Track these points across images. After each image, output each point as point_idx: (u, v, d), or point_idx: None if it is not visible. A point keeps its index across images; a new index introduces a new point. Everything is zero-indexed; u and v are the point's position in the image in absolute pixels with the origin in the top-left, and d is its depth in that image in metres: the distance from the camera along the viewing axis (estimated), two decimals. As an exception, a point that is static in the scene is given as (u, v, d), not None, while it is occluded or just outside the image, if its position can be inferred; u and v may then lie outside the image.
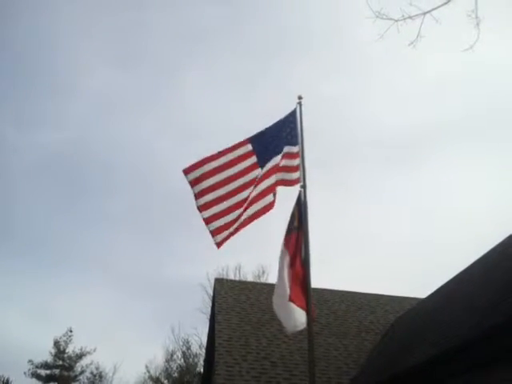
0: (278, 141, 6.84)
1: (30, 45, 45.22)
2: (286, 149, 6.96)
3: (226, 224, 6.24)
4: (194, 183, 6.22)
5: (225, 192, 6.31)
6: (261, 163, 6.67)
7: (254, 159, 6.61)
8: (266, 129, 6.87)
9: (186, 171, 6.25)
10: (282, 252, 6.16)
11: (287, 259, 6.04)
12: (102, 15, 41.80)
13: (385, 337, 12.41)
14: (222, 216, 6.24)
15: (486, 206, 40.65)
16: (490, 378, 6.42)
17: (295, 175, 7.02)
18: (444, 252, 37.89)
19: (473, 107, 39.77)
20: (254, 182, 6.46)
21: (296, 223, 6.36)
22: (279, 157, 6.78)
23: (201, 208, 6.26)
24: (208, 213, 6.23)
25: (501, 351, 6.20)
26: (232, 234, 6.29)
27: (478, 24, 6.33)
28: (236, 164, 6.44)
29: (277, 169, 6.77)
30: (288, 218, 6.48)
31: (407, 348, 9.40)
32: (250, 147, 6.63)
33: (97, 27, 43.71)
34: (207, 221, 6.25)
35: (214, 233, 6.25)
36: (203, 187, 6.23)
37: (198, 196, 6.26)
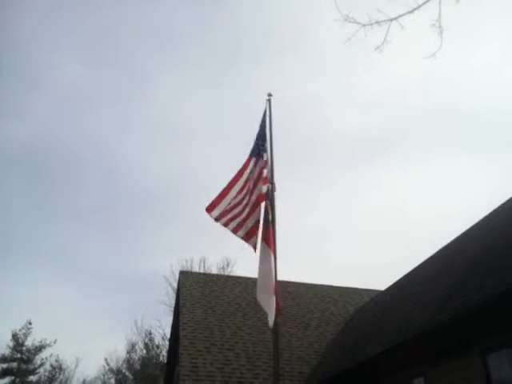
0: (260, 139, 7.25)
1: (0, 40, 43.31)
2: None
3: (252, 227, 6.81)
4: (219, 219, 6.80)
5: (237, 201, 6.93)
6: (252, 152, 7.27)
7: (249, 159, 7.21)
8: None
9: (209, 209, 6.77)
10: (262, 245, 6.34)
11: (269, 253, 6.20)
12: (75, 13, 40.56)
13: (344, 328, 12.85)
14: (243, 222, 6.84)
15: (448, 203, 42.39)
16: (439, 369, 6.85)
17: (264, 171, 7.23)
18: (404, 246, 39.25)
19: (433, 110, 41.23)
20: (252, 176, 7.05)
21: (270, 216, 6.58)
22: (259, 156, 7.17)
23: (225, 224, 6.83)
24: (232, 225, 6.81)
25: (450, 344, 6.64)
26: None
27: (441, 33, 6.60)
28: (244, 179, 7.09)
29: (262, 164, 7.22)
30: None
31: (364, 340, 9.81)
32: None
33: (69, 24, 42.42)
34: (234, 230, 6.82)
35: (245, 238, 6.82)
36: (227, 216, 6.82)
37: (224, 223, 6.84)
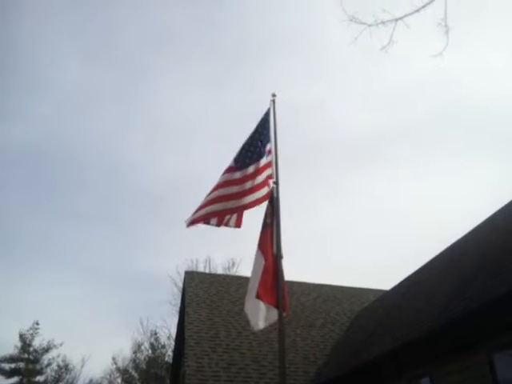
0: (259, 144, 7.09)
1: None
2: (268, 147, 7.17)
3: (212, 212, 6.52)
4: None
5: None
6: (239, 165, 6.88)
7: (233, 168, 6.87)
8: (248, 138, 7.14)
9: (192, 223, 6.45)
10: (256, 251, 6.33)
11: (260, 257, 6.20)
12: (76, 13, 40.78)
13: (350, 328, 12.83)
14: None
15: (452, 204, 42.23)
16: (446, 368, 6.83)
17: (267, 172, 7.16)
18: (408, 246, 39.20)
19: (438, 112, 41.07)
20: (234, 182, 6.71)
21: (269, 219, 6.51)
22: (264, 158, 7.00)
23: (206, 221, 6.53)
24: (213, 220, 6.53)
25: (456, 343, 6.62)
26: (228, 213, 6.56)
27: (447, 32, 6.60)
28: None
29: (266, 166, 6.99)
30: (262, 215, 6.67)
31: (371, 339, 9.79)
32: (233, 164, 6.90)
33: (69, 25, 42.63)
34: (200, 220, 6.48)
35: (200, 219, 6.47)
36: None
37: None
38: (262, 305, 6.00)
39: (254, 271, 6.21)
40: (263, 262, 6.13)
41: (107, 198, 54.77)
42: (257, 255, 6.31)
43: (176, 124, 49.52)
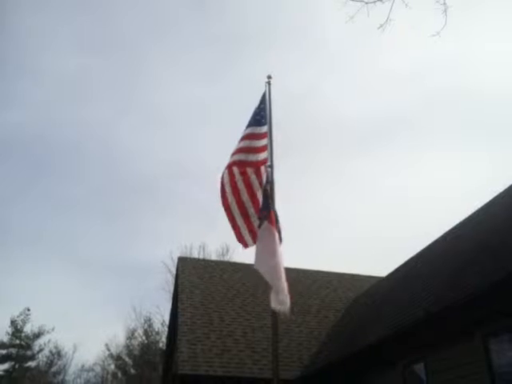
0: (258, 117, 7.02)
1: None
2: (248, 130, 6.95)
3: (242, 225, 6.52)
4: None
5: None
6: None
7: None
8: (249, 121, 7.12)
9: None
10: (266, 226, 5.91)
11: (272, 231, 5.83)
12: (73, 0, 40.00)
13: (345, 314, 12.78)
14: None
15: (451, 189, 42.33)
16: (440, 354, 6.76)
17: (262, 156, 6.96)
18: (403, 234, 39.30)
19: (435, 95, 40.85)
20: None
21: (270, 200, 6.32)
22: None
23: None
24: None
25: (451, 329, 6.54)
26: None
27: (445, 10, 6.43)
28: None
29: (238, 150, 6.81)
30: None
31: (366, 326, 9.73)
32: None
33: (67, 12, 41.83)
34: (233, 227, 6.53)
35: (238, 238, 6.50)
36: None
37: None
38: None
39: (272, 245, 5.81)
40: (277, 237, 5.80)
41: (102, 186, 54.51)
42: (268, 229, 5.88)
43: (173, 111, 49.19)
